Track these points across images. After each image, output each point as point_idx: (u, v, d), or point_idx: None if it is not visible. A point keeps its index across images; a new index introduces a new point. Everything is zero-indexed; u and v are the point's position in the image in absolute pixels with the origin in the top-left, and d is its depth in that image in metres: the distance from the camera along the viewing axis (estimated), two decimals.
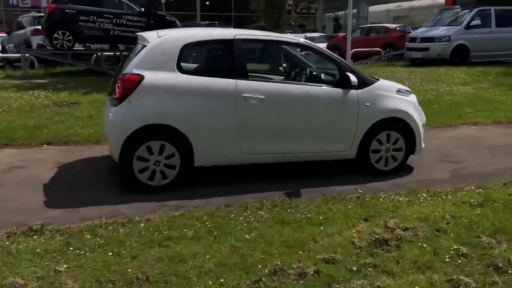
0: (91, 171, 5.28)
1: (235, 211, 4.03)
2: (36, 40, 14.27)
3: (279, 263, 3.11)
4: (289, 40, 5.23)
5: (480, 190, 4.59)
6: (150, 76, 4.47)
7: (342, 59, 5.18)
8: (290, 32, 20.26)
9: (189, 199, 4.42)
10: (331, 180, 5.05)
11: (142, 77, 4.45)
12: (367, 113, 5.05)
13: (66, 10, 12.14)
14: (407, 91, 5.48)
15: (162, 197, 4.44)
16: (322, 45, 23.25)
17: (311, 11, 36.01)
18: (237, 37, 4.79)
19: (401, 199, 4.39)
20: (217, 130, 4.65)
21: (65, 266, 3.06)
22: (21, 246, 3.33)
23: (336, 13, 37.84)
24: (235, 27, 26.67)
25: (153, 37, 4.70)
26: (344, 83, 4.92)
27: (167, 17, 13.56)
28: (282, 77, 5.39)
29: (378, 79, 5.41)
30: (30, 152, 6.06)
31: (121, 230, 3.61)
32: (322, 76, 5.16)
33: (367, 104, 5.05)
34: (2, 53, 16.02)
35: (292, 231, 3.63)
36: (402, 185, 4.92)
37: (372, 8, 39.97)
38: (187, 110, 4.52)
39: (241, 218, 3.88)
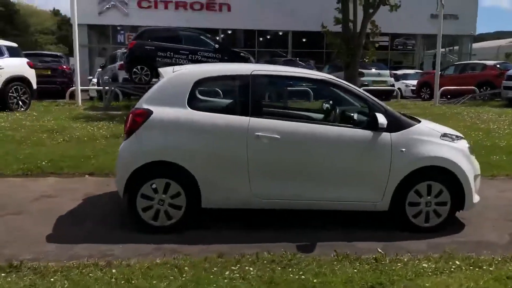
0: (111, 205, 5.20)
1: (225, 263, 3.62)
2: (122, 74, 15.18)
3: None
4: (311, 76, 4.79)
5: None
6: (159, 111, 4.30)
7: (373, 97, 4.61)
8: (374, 68, 19.53)
9: (188, 244, 4.10)
10: (357, 234, 4.43)
11: (150, 112, 4.30)
12: (403, 160, 4.40)
13: (146, 47, 12.76)
14: (456, 136, 4.72)
15: (163, 239, 4.17)
16: (413, 82, 22.55)
17: (407, 47, 34.69)
18: (254, 72, 4.48)
19: (427, 265, 3.66)
20: (226, 170, 4.31)
21: None
22: None
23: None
24: (325, 63, 26.63)
25: (167, 72, 4.57)
26: (373, 125, 4.35)
27: (242, 54, 13.69)
28: (303, 116, 4.92)
29: (420, 121, 4.74)
30: (69, 182, 6.19)
31: (93, 275, 3.38)
32: (350, 116, 4.64)
33: (403, 149, 4.40)
34: (98, 86, 17.33)
35: None
36: (440, 247, 4.15)
37: (479, 45, 37.46)
38: (194, 148, 4.26)
39: (227, 273, 3.45)
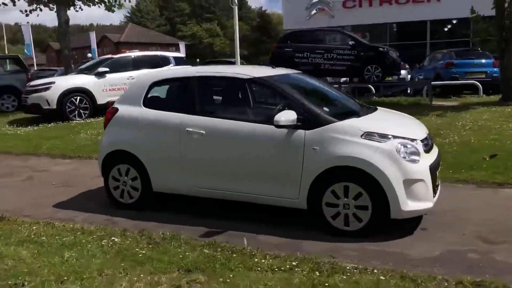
0: None
1: (129, 238, 4.31)
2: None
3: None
4: (240, 77, 4.95)
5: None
6: (123, 109, 5.30)
7: (295, 94, 4.54)
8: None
9: (144, 221, 4.89)
10: (278, 229, 4.50)
11: (117, 110, 5.33)
12: (315, 158, 4.28)
13: (285, 49, 13.67)
14: (387, 136, 4.24)
15: (119, 213, 5.15)
16: None
17: None
18: (197, 74, 5.02)
19: (269, 261, 3.66)
20: (166, 160, 5.00)
21: None
22: None
23: None
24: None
25: (138, 75, 5.49)
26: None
27: (380, 48, 13.22)
28: (234, 114, 5.06)
29: (349, 118, 4.44)
30: None
31: (36, 228, 4.61)
32: (271, 113, 4.65)
33: (315, 147, 4.28)
34: None
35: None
36: (338, 251, 3.97)
37: None
38: (143, 140, 5.09)
39: (104, 241, 4.22)
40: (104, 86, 12.58)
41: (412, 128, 4.74)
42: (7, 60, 15.33)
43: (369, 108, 5.23)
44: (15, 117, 13.81)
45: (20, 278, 3.43)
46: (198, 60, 31.89)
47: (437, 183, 4.52)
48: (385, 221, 4.22)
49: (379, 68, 12.80)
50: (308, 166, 4.32)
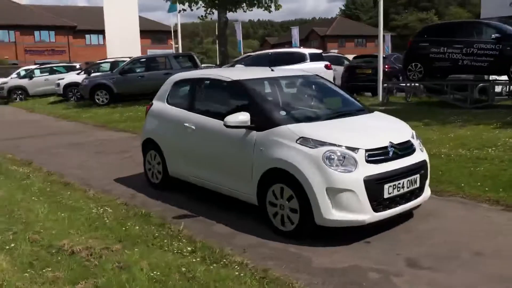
0: None
1: (118, 209, 5.35)
2: None
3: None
4: (221, 78, 5.32)
5: None
6: (154, 105, 6.30)
7: (259, 99, 4.80)
8: None
9: (156, 199, 5.80)
10: (239, 222, 4.89)
11: (152, 105, 6.36)
12: (260, 159, 4.56)
13: (420, 44, 12.80)
14: (321, 142, 4.20)
15: (151, 193, 6.16)
16: None
17: None
18: (194, 76, 5.75)
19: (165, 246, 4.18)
20: (174, 150, 5.82)
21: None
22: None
23: None
24: None
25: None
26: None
27: None
28: (214, 113, 5.33)
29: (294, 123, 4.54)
30: None
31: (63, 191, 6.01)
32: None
33: (261, 148, 4.55)
34: None
35: None
36: (259, 248, 4.25)
37: None
38: (162, 131, 6.02)
39: (98, 210, 5.28)
40: None
41: (374, 136, 4.50)
42: (182, 58, 17.98)
43: (361, 111, 5.15)
44: None
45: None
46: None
47: (402, 194, 4.36)
48: (315, 226, 4.23)
49: None
50: (256, 166, 4.61)
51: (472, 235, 4.36)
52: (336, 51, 37.04)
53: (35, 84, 23.46)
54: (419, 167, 4.55)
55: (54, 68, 24.95)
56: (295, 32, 33.82)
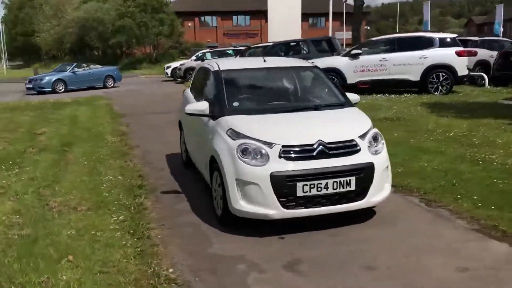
0: None
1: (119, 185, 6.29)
2: None
3: None
4: (209, 68, 5.61)
5: None
6: (186, 91, 6.98)
7: (221, 90, 5.04)
8: None
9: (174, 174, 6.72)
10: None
11: (184, 90, 7.07)
12: (208, 146, 4.90)
13: None
14: (241, 135, 4.35)
15: (176, 169, 6.98)
16: None
17: None
18: (201, 65, 6.26)
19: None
20: (188, 134, 6.47)
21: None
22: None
23: None
24: None
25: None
26: None
27: None
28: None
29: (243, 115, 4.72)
30: None
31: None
32: None
33: (210, 136, 4.88)
34: None
35: None
36: (180, 228, 4.69)
37: None
38: (183, 116, 6.68)
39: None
40: (355, 67, 13.63)
41: (304, 134, 4.38)
42: (320, 42, 18.08)
43: (335, 106, 5.02)
44: None
45: None
46: None
47: (326, 195, 4.22)
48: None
49: None
50: (207, 152, 4.95)
51: (395, 248, 3.97)
52: None
53: None
54: (355, 170, 4.27)
55: (223, 51, 27.49)
56: (500, 9, 30.09)
